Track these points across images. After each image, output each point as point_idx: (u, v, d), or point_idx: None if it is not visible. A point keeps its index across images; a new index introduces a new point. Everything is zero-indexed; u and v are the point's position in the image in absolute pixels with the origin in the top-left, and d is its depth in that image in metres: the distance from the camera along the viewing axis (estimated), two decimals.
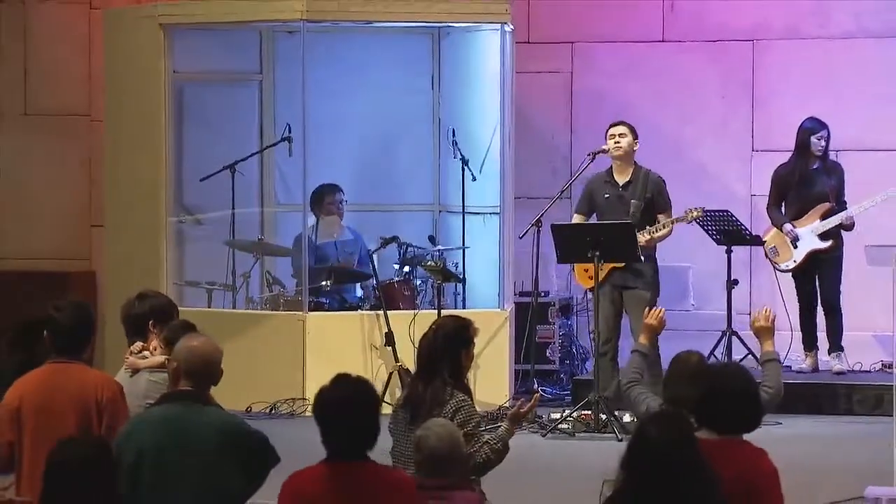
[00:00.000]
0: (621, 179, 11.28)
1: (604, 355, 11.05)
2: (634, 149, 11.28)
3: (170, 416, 6.14)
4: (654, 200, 11.21)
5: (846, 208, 11.78)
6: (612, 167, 11.32)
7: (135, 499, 5.91)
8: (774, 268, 12.05)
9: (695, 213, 11.21)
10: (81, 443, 5.46)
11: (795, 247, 11.89)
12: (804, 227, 11.86)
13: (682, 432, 5.38)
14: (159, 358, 7.14)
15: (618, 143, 11.23)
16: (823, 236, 11.82)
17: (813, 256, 11.86)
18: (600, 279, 10.99)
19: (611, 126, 11.35)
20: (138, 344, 7.17)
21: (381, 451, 7.13)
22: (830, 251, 11.79)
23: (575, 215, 11.46)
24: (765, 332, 7.06)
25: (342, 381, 5.92)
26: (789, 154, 12.05)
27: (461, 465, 6.27)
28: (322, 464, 5.77)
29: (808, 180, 11.89)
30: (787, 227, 11.87)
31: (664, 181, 11.30)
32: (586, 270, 11.13)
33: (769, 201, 12.05)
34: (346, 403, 5.76)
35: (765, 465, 6.00)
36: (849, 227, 11.75)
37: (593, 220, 11.34)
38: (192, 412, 6.10)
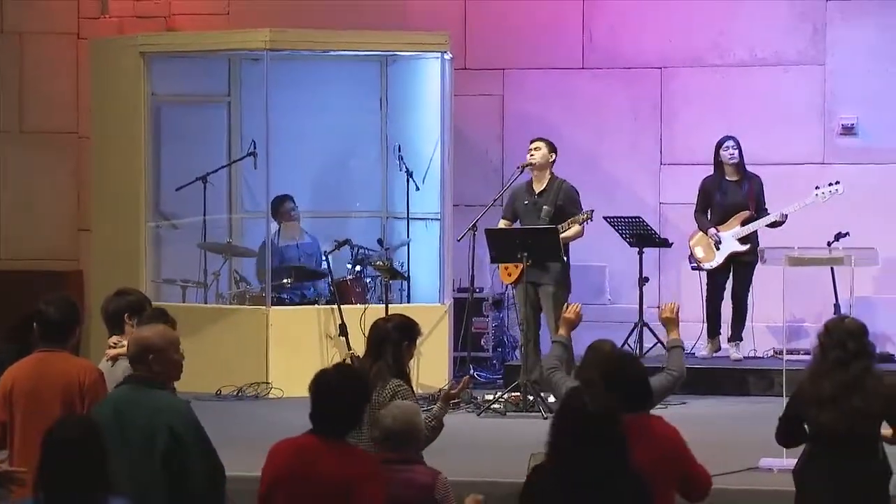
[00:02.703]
0: (538, 188, 11.26)
1: (528, 342, 11.02)
2: (550, 160, 11.25)
3: (115, 397, 6.08)
4: (564, 207, 11.16)
5: (767, 214, 11.77)
6: (531, 177, 11.30)
7: None
8: (698, 268, 12.01)
9: (585, 216, 11.12)
10: (78, 421, 5.36)
11: (718, 249, 11.89)
12: (726, 231, 11.86)
13: (607, 404, 5.35)
14: (120, 350, 7.05)
15: (532, 154, 11.22)
16: (743, 241, 11.82)
17: (732, 258, 11.86)
18: (517, 276, 11.02)
19: (531, 141, 11.35)
20: (115, 337, 7.08)
21: None
22: (748, 254, 11.78)
23: (501, 220, 11.44)
24: (671, 322, 7.05)
25: (342, 368, 5.85)
26: (693, 167, 12.11)
27: (417, 442, 6.22)
28: (308, 435, 5.66)
29: (727, 190, 11.90)
30: (712, 231, 11.87)
31: (577, 191, 11.27)
32: (506, 269, 11.18)
33: (696, 208, 12.03)
34: (342, 389, 5.66)
35: (670, 429, 5.99)
36: (781, 223, 11.73)
37: (517, 224, 11.33)
38: (133, 393, 5.99)
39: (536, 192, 11.25)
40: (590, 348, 6.31)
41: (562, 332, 7.14)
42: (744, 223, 11.81)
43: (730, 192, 11.89)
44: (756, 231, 11.79)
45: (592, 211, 11.13)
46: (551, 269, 11.02)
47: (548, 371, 6.94)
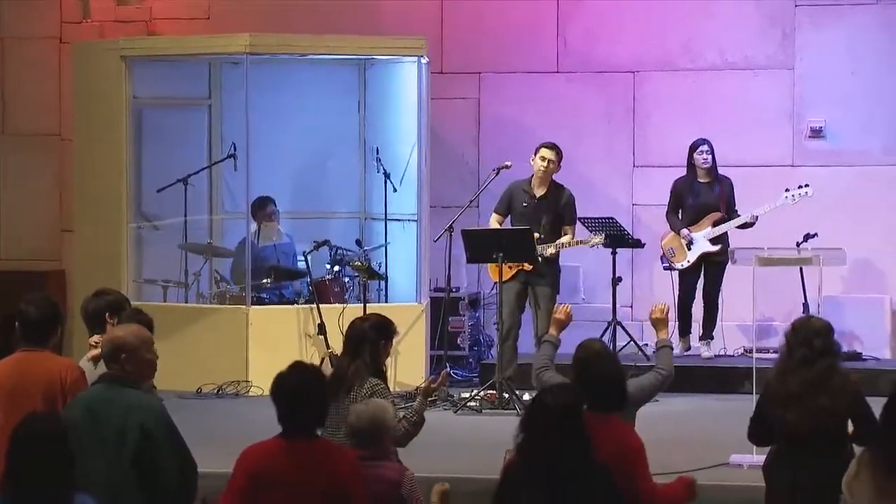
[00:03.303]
0: (539, 192, 11.24)
1: (506, 341, 11.02)
2: (558, 169, 11.26)
3: (88, 395, 6.06)
4: (562, 216, 11.20)
5: (738, 215, 11.79)
6: (532, 178, 11.28)
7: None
8: (670, 267, 12.03)
9: (596, 240, 11.19)
10: (42, 419, 5.34)
11: (690, 249, 11.90)
12: (698, 232, 11.87)
13: (573, 400, 5.39)
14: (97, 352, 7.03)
15: (546, 166, 11.16)
16: (714, 241, 11.84)
17: (704, 258, 11.88)
18: (510, 276, 11.01)
19: (542, 146, 11.26)
20: (96, 337, 7.06)
21: None
22: (719, 254, 11.79)
23: (493, 215, 11.40)
24: (660, 322, 7.07)
25: (299, 367, 5.83)
26: (665, 169, 12.12)
27: (384, 440, 6.22)
28: (277, 438, 5.68)
29: (698, 192, 11.91)
30: (684, 231, 11.88)
31: (574, 198, 11.28)
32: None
33: (668, 209, 12.05)
34: (302, 388, 5.67)
35: (633, 439, 5.99)
36: (751, 224, 11.76)
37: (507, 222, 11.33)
38: (106, 392, 5.97)
39: (537, 195, 11.23)
40: (579, 347, 6.33)
41: (552, 331, 7.17)
42: (715, 224, 11.83)
43: (701, 194, 11.91)
44: (727, 232, 11.81)
45: (604, 236, 11.18)
46: (548, 271, 11.04)
47: (538, 370, 6.96)
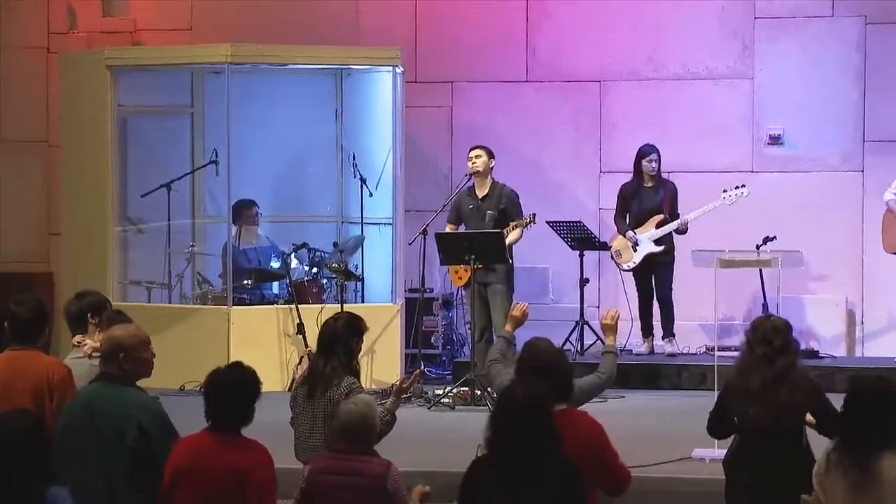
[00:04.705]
0: (480, 193, 11.26)
1: (480, 340, 11.01)
2: (490, 167, 11.25)
3: (85, 394, 6.03)
4: (507, 211, 11.17)
5: (679, 218, 11.82)
6: (474, 183, 11.30)
7: (68, 465, 5.75)
8: (618, 268, 12.08)
9: (528, 220, 11.13)
10: (13, 417, 5.30)
11: (636, 250, 11.91)
12: (643, 234, 11.89)
13: (539, 393, 5.38)
14: (96, 343, 6.99)
15: (474, 162, 11.23)
16: (658, 242, 11.86)
17: (650, 258, 11.89)
18: (467, 280, 11.02)
19: (470, 149, 11.35)
20: (79, 336, 7.03)
21: (283, 422, 7.10)
22: (664, 254, 11.83)
23: (447, 225, 11.42)
24: (609, 328, 7.07)
25: (237, 367, 5.85)
26: (630, 175, 12.10)
27: (372, 435, 6.21)
28: (203, 433, 5.76)
29: (644, 196, 11.93)
30: (630, 233, 11.90)
31: (517, 194, 11.27)
32: (456, 272, 11.21)
33: (615, 213, 12.08)
34: (236, 385, 5.76)
35: (593, 423, 6.03)
36: (683, 231, 11.80)
37: (462, 227, 11.32)
38: (104, 391, 5.94)
39: (479, 196, 11.25)
40: (526, 344, 6.34)
41: (507, 328, 7.17)
42: (658, 226, 11.85)
43: (647, 198, 11.93)
44: (671, 233, 11.83)
45: (535, 214, 11.13)
46: (498, 269, 11.03)
47: (489, 363, 6.99)
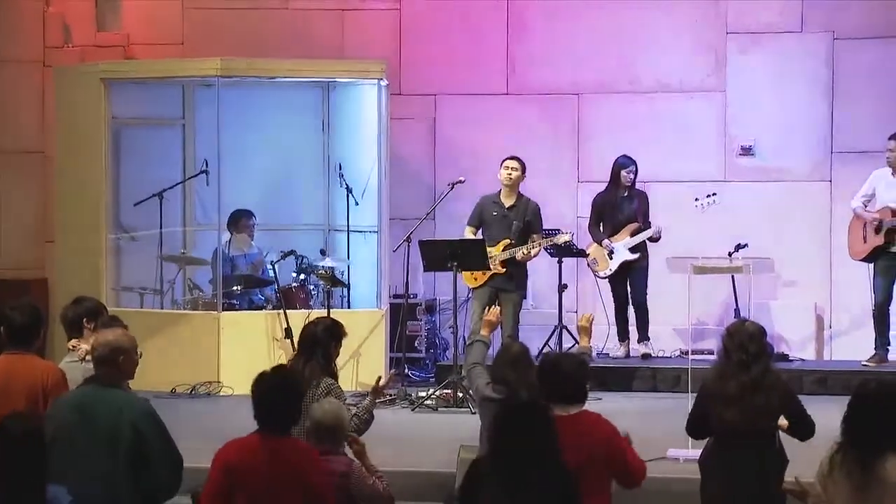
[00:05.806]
0: (507, 202, 11.23)
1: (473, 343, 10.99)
2: (521, 180, 11.25)
3: (76, 396, 5.98)
4: (531, 223, 11.19)
5: (651, 226, 11.84)
6: (500, 191, 11.26)
7: (60, 467, 5.70)
8: (594, 275, 12.07)
9: (564, 237, 11.18)
10: (18, 421, 5.26)
11: (611, 258, 11.91)
12: (618, 242, 11.89)
13: (533, 395, 5.49)
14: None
15: (510, 174, 11.19)
16: (633, 249, 11.86)
17: (625, 265, 11.89)
18: (483, 282, 11.03)
19: (507, 158, 11.28)
20: (74, 341, 7.00)
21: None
22: (639, 261, 11.83)
23: (467, 227, 11.37)
24: (583, 330, 7.15)
25: (279, 371, 5.82)
26: (606, 184, 12.10)
27: (342, 435, 6.23)
28: (254, 435, 5.66)
29: (619, 205, 11.94)
30: (605, 241, 11.90)
31: (539, 208, 11.27)
32: (472, 273, 11.14)
33: (590, 221, 12.08)
34: (281, 389, 5.69)
35: (607, 425, 6.08)
36: (656, 239, 11.81)
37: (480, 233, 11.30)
38: (98, 393, 5.89)
39: (506, 205, 11.21)
40: (500, 348, 6.36)
41: (483, 332, 7.24)
42: (633, 234, 11.86)
43: (621, 207, 11.93)
44: (645, 241, 11.83)
45: (571, 233, 11.20)
46: (516, 277, 11.05)
47: (469, 366, 7.05)
